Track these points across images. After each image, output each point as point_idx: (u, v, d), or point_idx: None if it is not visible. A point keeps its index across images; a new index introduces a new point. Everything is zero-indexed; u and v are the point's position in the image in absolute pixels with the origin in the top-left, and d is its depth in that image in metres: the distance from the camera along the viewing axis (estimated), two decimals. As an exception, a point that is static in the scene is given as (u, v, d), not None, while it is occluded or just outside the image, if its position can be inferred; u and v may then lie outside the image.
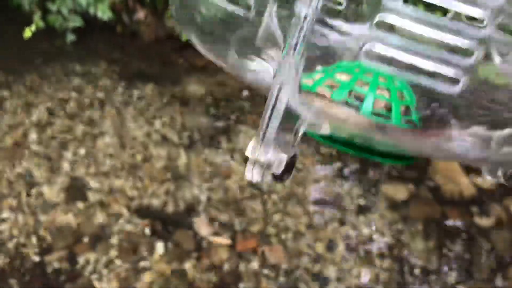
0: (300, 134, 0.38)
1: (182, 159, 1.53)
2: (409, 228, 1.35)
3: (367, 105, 0.40)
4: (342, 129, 0.39)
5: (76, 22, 1.95)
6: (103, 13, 1.90)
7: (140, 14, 2.08)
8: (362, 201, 1.42)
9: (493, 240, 1.33)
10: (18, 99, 1.75)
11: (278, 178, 0.38)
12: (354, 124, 0.39)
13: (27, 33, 1.77)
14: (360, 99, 0.40)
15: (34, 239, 1.27)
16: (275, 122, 0.36)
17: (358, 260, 1.26)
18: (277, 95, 0.35)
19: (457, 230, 1.35)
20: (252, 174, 0.39)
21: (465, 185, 1.48)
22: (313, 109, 0.38)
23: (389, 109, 0.40)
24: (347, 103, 0.40)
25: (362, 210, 1.39)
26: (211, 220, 1.34)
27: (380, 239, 1.31)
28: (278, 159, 0.37)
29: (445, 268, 1.25)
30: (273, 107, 0.35)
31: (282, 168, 0.38)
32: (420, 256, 1.28)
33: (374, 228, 1.34)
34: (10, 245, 1.26)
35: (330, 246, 1.29)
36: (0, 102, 1.73)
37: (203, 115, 1.72)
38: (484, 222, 1.38)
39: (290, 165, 0.38)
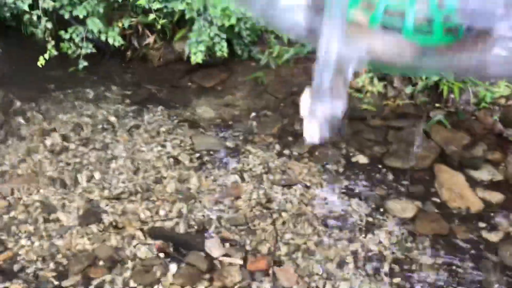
0: (350, 75, 0.39)
1: (193, 180, 1.57)
2: (417, 245, 1.36)
3: (408, 25, 0.38)
4: (387, 64, 0.38)
5: (88, 49, 2.01)
6: (114, 39, 1.96)
7: (150, 39, 2.14)
8: (370, 219, 1.44)
9: (502, 255, 1.33)
10: (33, 126, 1.80)
11: (336, 130, 0.38)
12: (397, 57, 0.38)
13: (41, 61, 1.83)
14: (400, 15, 0.38)
15: (50, 264, 1.31)
16: (328, 73, 0.37)
17: (368, 278, 1.27)
18: (326, 46, 0.36)
19: (466, 246, 1.36)
20: (311, 134, 0.39)
21: (472, 199, 1.49)
22: (357, 49, 0.38)
23: (430, 21, 0.37)
24: (386, 28, 0.38)
25: (370, 227, 1.41)
26: (222, 240, 1.37)
27: (389, 256, 1.33)
28: (336, 106, 0.38)
29: (455, 285, 1.26)
30: (324, 59, 0.36)
31: (342, 114, 0.38)
32: (429, 272, 1.29)
33: (382, 245, 1.36)
34: (28, 270, 1.29)
35: (340, 264, 1.31)
36: (16, 129, 1.78)
37: (213, 136, 1.75)
38: (492, 237, 1.39)
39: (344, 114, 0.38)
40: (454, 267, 1.30)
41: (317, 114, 0.39)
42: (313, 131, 0.40)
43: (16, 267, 1.30)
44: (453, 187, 1.53)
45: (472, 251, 1.34)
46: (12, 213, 1.45)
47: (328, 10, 0.33)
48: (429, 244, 1.36)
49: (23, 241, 1.37)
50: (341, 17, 0.35)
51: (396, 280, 1.27)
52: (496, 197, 1.50)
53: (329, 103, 0.39)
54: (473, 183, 1.55)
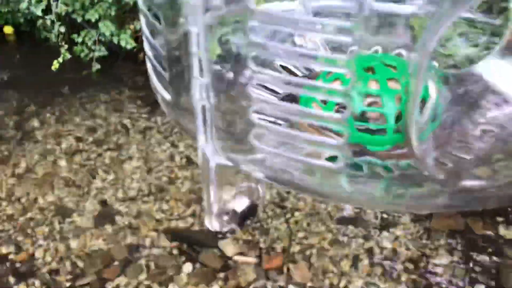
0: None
1: (206, 180, 1.57)
2: (433, 242, 1.35)
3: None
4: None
5: (100, 52, 2.03)
6: (126, 42, 1.97)
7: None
8: (384, 216, 1.43)
9: (520, 250, 1.32)
10: (48, 129, 1.82)
11: (239, 225, 0.40)
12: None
13: (55, 65, 1.85)
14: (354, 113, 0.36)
15: (66, 265, 1.32)
16: (213, 185, 0.38)
17: (383, 276, 1.26)
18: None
19: (482, 242, 1.34)
20: (212, 224, 0.41)
21: (489, 196, 1.47)
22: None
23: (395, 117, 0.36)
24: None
25: (385, 224, 1.40)
26: (236, 239, 1.36)
27: (405, 253, 1.32)
28: (232, 210, 0.39)
29: (471, 282, 1.24)
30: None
31: (236, 219, 0.39)
32: (446, 270, 1.28)
33: (397, 242, 1.35)
34: (44, 270, 1.30)
35: (355, 262, 1.30)
36: (31, 132, 1.80)
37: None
38: (510, 233, 1.37)
39: (247, 214, 0.39)
40: (471, 264, 1.28)
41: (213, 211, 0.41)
42: (213, 223, 0.41)
43: (32, 268, 1.31)
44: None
45: (489, 248, 1.32)
46: (28, 215, 1.46)
47: None
48: (445, 241, 1.35)
49: (39, 242, 1.38)
50: None
51: (412, 277, 1.26)
52: (513, 192, 1.47)
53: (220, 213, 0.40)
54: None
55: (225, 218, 0.36)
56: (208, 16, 0.33)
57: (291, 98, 0.38)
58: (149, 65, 0.42)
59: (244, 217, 0.37)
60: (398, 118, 0.36)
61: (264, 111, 0.35)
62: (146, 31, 0.41)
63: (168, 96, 0.43)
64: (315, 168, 0.36)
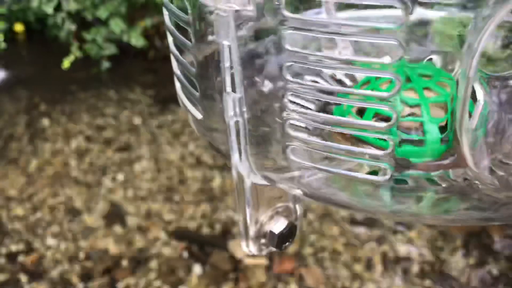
0: (299, 207, 0.37)
1: (217, 180, 1.55)
2: (448, 245, 1.32)
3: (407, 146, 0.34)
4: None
5: (110, 50, 2.01)
6: (137, 40, 1.96)
7: (172, 39, 2.13)
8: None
9: (538, 255, 1.28)
10: (58, 128, 1.81)
11: (277, 247, 0.38)
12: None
13: (66, 64, 1.84)
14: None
15: (76, 265, 1.31)
16: (249, 206, 0.36)
17: (397, 280, 1.24)
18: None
19: (499, 245, 1.31)
20: (249, 247, 0.39)
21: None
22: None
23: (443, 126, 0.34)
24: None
25: (399, 227, 1.37)
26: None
27: (419, 257, 1.29)
28: (270, 232, 0.37)
29: (488, 286, 1.21)
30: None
31: (274, 242, 0.37)
32: (461, 274, 1.25)
33: (412, 245, 1.32)
34: (54, 271, 1.30)
35: (369, 265, 1.28)
36: (41, 131, 1.80)
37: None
38: (527, 236, 1.33)
39: (286, 236, 0.37)
40: (487, 268, 1.25)
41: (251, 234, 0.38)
42: (250, 245, 0.38)
43: (42, 268, 1.30)
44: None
45: (506, 251, 1.29)
46: (38, 215, 1.46)
47: None
48: (461, 244, 1.32)
49: (49, 243, 1.38)
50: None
51: (427, 282, 1.23)
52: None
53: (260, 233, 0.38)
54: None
55: (263, 241, 0.34)
56: (241, 28, 0.31)
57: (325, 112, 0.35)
58: (177, 85, 0.40)
59: (283, 239, 0.35)
60: (442, 128, 0.34)
61: (301, 122, 0.33)
62: (174, 49, 0.39)
63: (199, 115, 0.40)
64: (355, 184, 0.33)
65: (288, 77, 0.31)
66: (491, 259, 1.27)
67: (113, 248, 1.35)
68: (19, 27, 2.29)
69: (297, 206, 0.39)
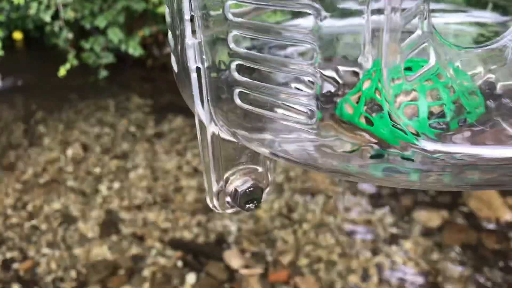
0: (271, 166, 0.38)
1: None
2: (443, 256, 1.32)
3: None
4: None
5: (108, 58, 2.02)
6: (134, 49, 1.96)
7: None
8: (394, 229, 1.40)
9: (533, 266, 1.28)
10: (54, 135, 1.81)
11: (240, 206, 0.38)
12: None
13: (62, 72, 1.84)
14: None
15: (70, 273, 1.30)
16: (211, 157, 0.37)
17: (392, 290, 1.24)
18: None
19: (494, 257, 1.31)
20: (213, 203, 0.40)
21: (501, 208, 1.44)
22: None
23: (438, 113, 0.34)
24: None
25: (395, 238, 1.37)
26: (242, 251, 1.34)
27: (415, 267, 1.29)
28: (234, 189, 0.38)
29: (483, 298, 1.21)
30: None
31: (237, 199, 0.38)
32: (456, 285, 1.24)
33: (407, 256, 1.32)
34: (48, 279, 1.29)
35: (364, 276, 1.27)
36: (38, 139, 1.80)
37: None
38: (523, 248, 1.33)
39: (250, 196, 0.38)
40: (482, 280, 1.25)
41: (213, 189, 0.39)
42: (214, 202, 0.39)
43: (36, 276, 1.30)
44: (482, 195, 1.48)
45: (501, 263, 1.29)
46: (33, 222, 1.45)
47: None
48: (456, 255, 1.32)
49: (43, 251, 1.37)
50: None
51: (422, 292, 1.23)
52: (526, 206, 1.45)
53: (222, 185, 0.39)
54: (503, 192, 1.50)
55: (228, 199, 0.35)
56: None
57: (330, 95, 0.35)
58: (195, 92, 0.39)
59: (247, 198, 0.35)
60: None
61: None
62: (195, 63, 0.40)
63: (175, 69, 0.41)
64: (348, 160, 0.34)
65: (230, 16, 0.32)
66: (487, 270, 1.27)
67: (108, 256, 1.35)
68: (17, 35, 2.29)
69: (268, 173, 0.40)
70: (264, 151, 0.37)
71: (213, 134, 0.38)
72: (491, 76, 0.35)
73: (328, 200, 1.50)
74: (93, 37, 2.03)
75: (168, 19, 0.38)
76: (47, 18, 1.80)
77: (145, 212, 1.48)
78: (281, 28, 0.32)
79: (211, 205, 0.40)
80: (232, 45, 0.34)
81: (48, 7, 1.80)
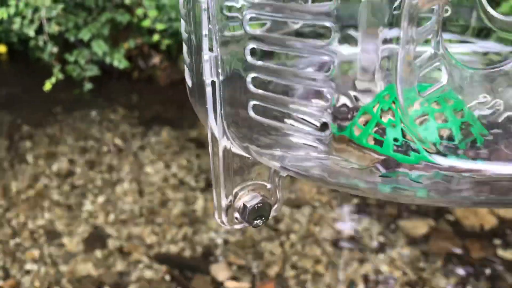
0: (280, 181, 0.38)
1: (199, 202, 1.55)
2: (430, 265, 1.32)
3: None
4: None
5: (92, 71, 2.01)
6: (119, 62, 1.96)
7: (155, 59, 2.14)
8: (381, 238, 1.40)
9: (519, 273, 1.29)
10: (40, 150, 1.80)
11: (248, 222, 0.38)
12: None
13: (47, 86, 1.83)
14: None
15: (55, 291, 1.29)
16: (222, 172, 0.37)
17: (379, 300, 1.24)
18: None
19: (480, 264, 1.32)
20: (221, 219, 0.39)
21: (486, 216, 1.45)
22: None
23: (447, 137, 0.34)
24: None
25: (381, 247, 1.37)
26: (229, 264, 1.34)
27: (401, 277, 1.29)
28: (243, 205, 0.38)
29: (470, 306, 1.22)
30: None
31: (245, 214, 0.38)
32: (443, 294, 1.25)
33: (394, 265, 1.32)
34: (33, 297, 1.27)
35: (351, 286, 1.27)
36: (23, 153, 1.78)
37: (219, 156, 1.73)
38: (508, 254, 1.34)
39: (259, 212, 0.38)
40: (468, 287, 1.26)
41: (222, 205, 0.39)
42: (223, 218, 0.39)
43: (20, 295, 1.28)
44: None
45: (487, 270, 1.30)
46: (17, 239, 1.44)
47: None
48: (442, 263, 1.32)
49: (27, 267, 1.35)
50: None
51: (409, 302, 1.23)
52: (511, 213, 1.45)
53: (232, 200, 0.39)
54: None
55: (236, 215, 0.34)
56: None
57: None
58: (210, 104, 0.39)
59: (255, 214, 0.35)
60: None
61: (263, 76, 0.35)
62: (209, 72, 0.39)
63: (189, 82, 0.42)
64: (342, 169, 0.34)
65: (248, 28, 0.32)
66: (472, 279, 1.28)
67: (93, 272, 1.33)
68: (1, 48, 2.28)
69: (277, 190, 0.40)
70: (275, 164, 0.37)
71: (225, 149, 0.38)
72: (499, 101, 0.35)
73: (315, 210, 1.50)
74: (78, 49, 2.02)
75: (184, 33, 0.38)
76: (31, 32, 1.79)
77: (131, 226, 1.47)
78: (298, 40, 0.33)
79: (219, 221, 0.39)
80: (248, 58, 0.34)
81: (31, 21, 1.80)
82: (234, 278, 1.29)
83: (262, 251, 1.37)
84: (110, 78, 2.15)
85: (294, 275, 1.30)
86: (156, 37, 1.97)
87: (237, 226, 0.40)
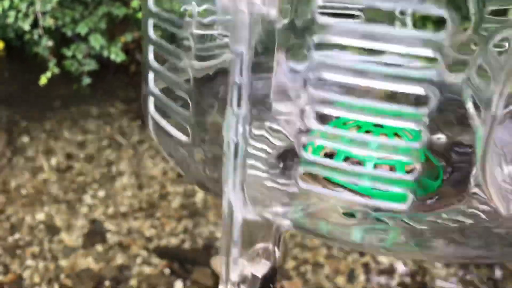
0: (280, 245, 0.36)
1: (199, 195, 1.54)
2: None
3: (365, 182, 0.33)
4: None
5: (90, 65, 2.00)
6: (116, 55, 1.94)
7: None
8: (381, 228, 1.39)
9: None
10: (38, 145, 1.79)
11: None
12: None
13: (43, 80, 1.82)
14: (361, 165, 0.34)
15: (55, 285, 1.29)
16: (236, 246, 0.34)
17: (379, 291, 1.23)
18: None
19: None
20: None
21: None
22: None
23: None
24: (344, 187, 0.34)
25: (381, 237, 1.37)
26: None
27: (401, 267, 1.28)
28: (252, 275, 0.36)
29: (471, 295, 1.21)
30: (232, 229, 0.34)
31: (257, 286, 0.36)
32: (442, 284, 1.24)
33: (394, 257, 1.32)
34: (33, 292, 1.27)
35: (351, 277, 1.27)
36: (21, 149, 1.78)
37: (218, 148, 1.73)
38: (509, 243, 1.33)
39: (269, 280, 0.36)
40: (468, 277, 1.25)
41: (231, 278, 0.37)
42: None
43: (21, 290, 1.28)
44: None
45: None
46: (17, 235, 1.43)
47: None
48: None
49: (27, 263, 1.35)
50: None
51: (410, 292, 1.23)
52: None
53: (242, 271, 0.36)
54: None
55: (243, 286, 0.32)
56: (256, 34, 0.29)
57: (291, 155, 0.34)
58: (151, 105, 0.36)
59: (266, 283, 0.32)
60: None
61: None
62: (154, 63, 0.37)
63: (183, 137, 0.38)
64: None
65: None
66: (473, 267, 1.27)
67: (93, 266, 1.33)
68: (-1, 44, 2.27)
69: (276, 249, 0.38)
70: (286, 223, 0.36)
71: (244, 220, 0.35)
72: (442, 137, 0.35)
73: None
74: (75, 44, 2.01)
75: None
76: (26, 26, 1.78)
77: (131, 220, 1.47)
78: None
79: None
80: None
81: (26, 15, 1.78)
82: (234, 270, 1.29)
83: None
84: (108, 72, 2.14)
85: (294, 266, 1.30)
86: (153, 30, 1.96)
87: None
